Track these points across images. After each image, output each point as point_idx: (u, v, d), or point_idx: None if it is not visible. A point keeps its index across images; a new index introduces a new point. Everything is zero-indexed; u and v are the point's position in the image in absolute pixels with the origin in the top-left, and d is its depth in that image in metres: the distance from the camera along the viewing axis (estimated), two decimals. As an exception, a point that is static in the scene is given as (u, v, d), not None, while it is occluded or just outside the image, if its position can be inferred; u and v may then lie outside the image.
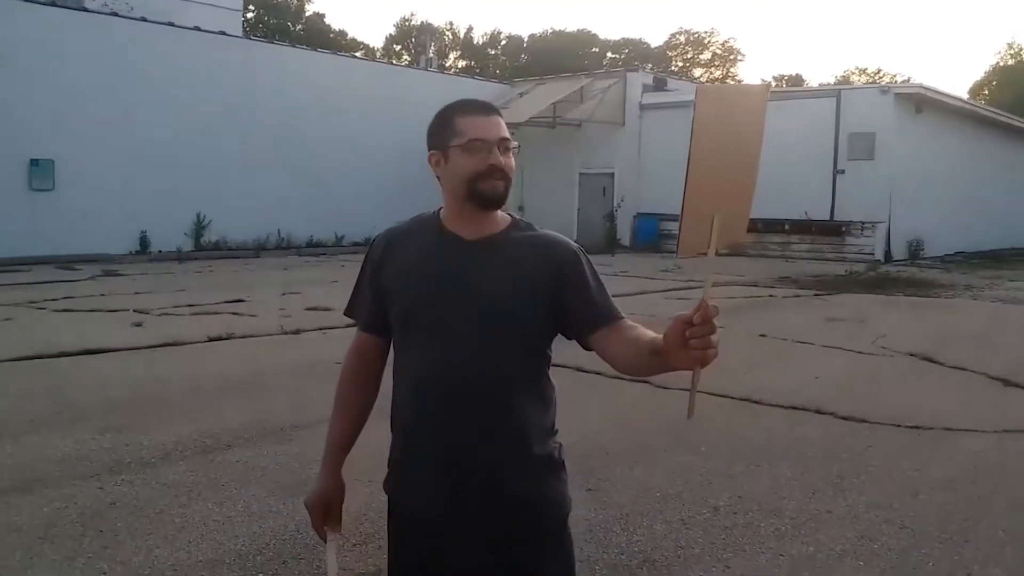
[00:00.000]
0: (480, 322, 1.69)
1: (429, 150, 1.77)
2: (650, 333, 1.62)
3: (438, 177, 1.78)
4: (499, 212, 1.78)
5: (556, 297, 1.72)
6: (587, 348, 1.76)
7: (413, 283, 1.74)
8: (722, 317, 1.39)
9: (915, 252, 20.03)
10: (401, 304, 1.76)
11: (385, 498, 1.87)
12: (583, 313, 1.73)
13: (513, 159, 1.74)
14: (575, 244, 1.81)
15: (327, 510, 1.88)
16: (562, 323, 1.76)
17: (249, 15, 41.64)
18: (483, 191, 1.70)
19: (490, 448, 1.71)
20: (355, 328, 1.92)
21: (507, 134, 1.73)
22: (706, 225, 1.38)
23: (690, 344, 1.39)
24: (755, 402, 5.92)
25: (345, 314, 1.95)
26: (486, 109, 1.75)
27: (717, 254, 1.38)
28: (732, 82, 47.95)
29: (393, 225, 1.89)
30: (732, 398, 5.91)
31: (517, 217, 1.82)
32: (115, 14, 18.69)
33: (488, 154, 1.69)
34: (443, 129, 1.74)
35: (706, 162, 1.37)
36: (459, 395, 1.70)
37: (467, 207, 1.73)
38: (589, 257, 1.81)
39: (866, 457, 4.84)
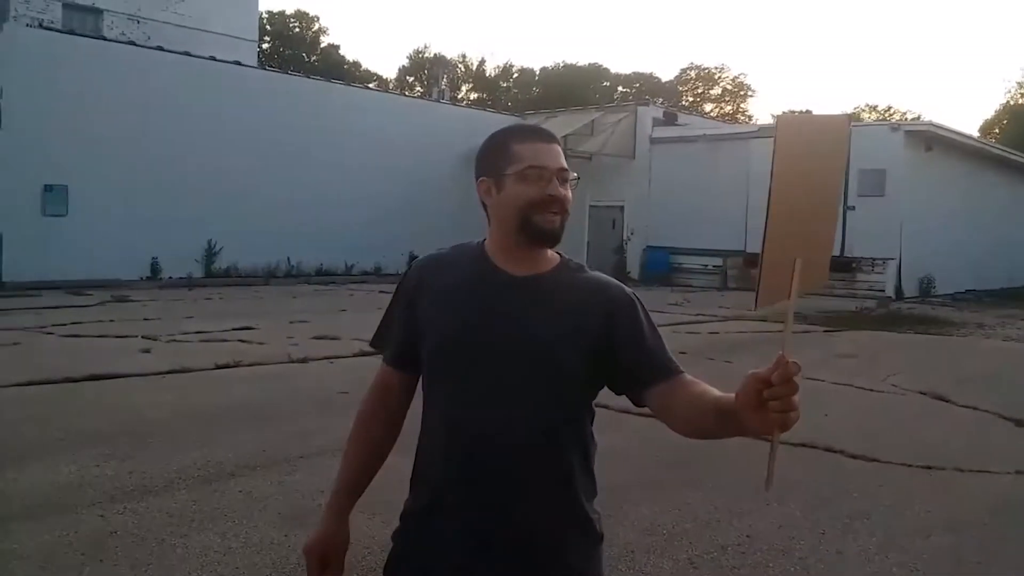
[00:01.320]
0: (523, 367, 1.53)
1: (479, 177, 1.62)
2: (715, 391, 1.47)
3: (484, 206, 1.63)
4: (549, 250, 1.63)
5: (607, 346, 1.56)
6: (639, 404, 1.59)
7: (451, 318, 1.58)
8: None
9: (926, 289, 19.94)
10: (436, 340, 1.59)
11: (384, 536, 1.76)
12: (639, 366, 1.56)
13: (571, 192, 1.59)
14: (629, 289, 1.65)
15: (327, 560, 1.69)
16: (612, 376, 1.59)
17: (264, 46, 42.17)
18: (538, 224, 1.55)
19: (528, 507, 1.53)
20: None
21: (566, 164, 1.59)
22: (786, 271, 1.24)
23: (769, 406, 1.25)
24: (763, 439, 5.84)
25: (371, 345, 1.79)
26: (546, 136, 1.61)
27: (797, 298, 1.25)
28: (742, 118, 48.15)
29: (432, 252, 1.72)
30: (747, 438, 5.84)
31: (567, 257, 1.67)
32: (132, 43, 18.97)
33: (547, 184, 1.55)
34: (497, 155, 1.59)
35: (787, 201, 1.25)
36: (498, 445, 1.53)
37: (517, 241, 1.58)
38: (644, 303, 1.65)
39: (877, 497, 4.77)
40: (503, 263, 1.61)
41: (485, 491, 1.53)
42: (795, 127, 1.31)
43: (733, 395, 1.33)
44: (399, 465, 1.75)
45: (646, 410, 1.61)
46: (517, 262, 1.60)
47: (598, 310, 1.58)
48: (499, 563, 1.54)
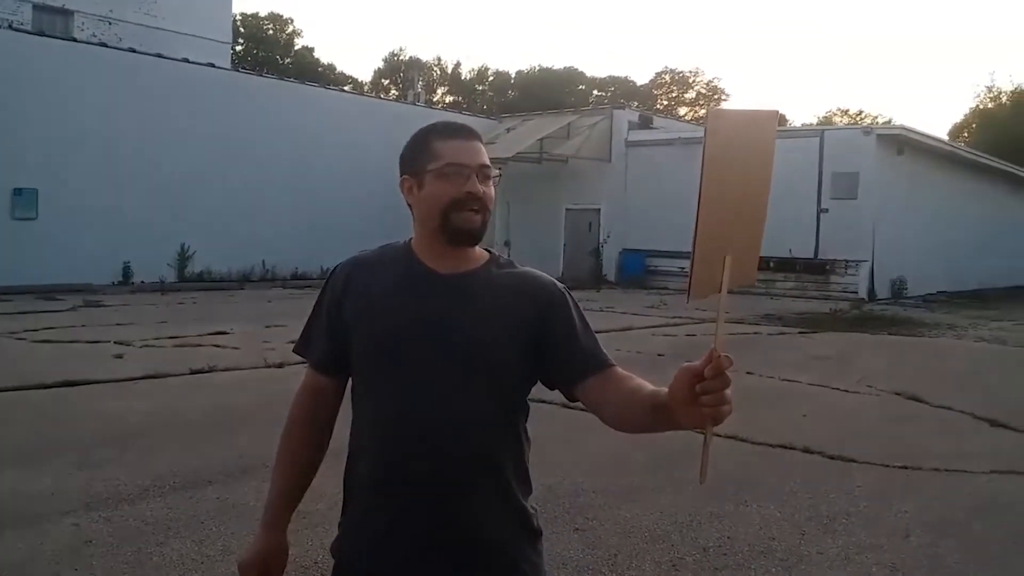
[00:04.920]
0: (455, 365, 1.52)
1: (401, 174, 1.62)
2: (649, 385, 1.46)
3: (409, 205, 1.62)
4: (475, 248, 1.62)
5: (539, 341, 1.56)
6: (572, 399, 1.59)
7: (381, 319, 1.56)
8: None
9: (898, 291, 20.17)
10: (366, 342, 1.57)
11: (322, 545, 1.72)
12: (570, 360, 1.56)
13: (493, 189, 1.58)
14: (560, 284, 1.65)
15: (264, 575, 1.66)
16: (544, 370, 1.59)
17: (238, 48, 41.86)
18: (457, 223, 1.54)
19: (465, 507, 1.53)
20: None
21: (487, 161, 1.58)
22: (717, 266, 1.25)
23: (701, 400, 1.24)
24: (742, 440, 5.87)
25: (295, 351, 1.73)
26: (466, 133, 1.59)
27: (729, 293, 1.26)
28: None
29: (357, 254, 1.69)
30: (719, 436, 5.83)
31: (495, 253, 1.67)
32: (104, 45, 18.74)
33: (466, 180, 1.53)
34: (418, 152, 1.59)
35: (718, 195, 1.24)
36: (432, 446, 1.51)
37: (440, 240, 1.57)
38: (575, 298, 1.65)
39: (855, 497, 4.80)
40: (430, 262, 1.59)
41: (422, 493, 1.52)
42: (726, 120, 1.29)
43: (666, 389, 1.32)
44: (332, 472, 1.70)
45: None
46: (444, 260, 1.58)
47: (530, 306, 1.57)
48: (439, 564, 1.53)
